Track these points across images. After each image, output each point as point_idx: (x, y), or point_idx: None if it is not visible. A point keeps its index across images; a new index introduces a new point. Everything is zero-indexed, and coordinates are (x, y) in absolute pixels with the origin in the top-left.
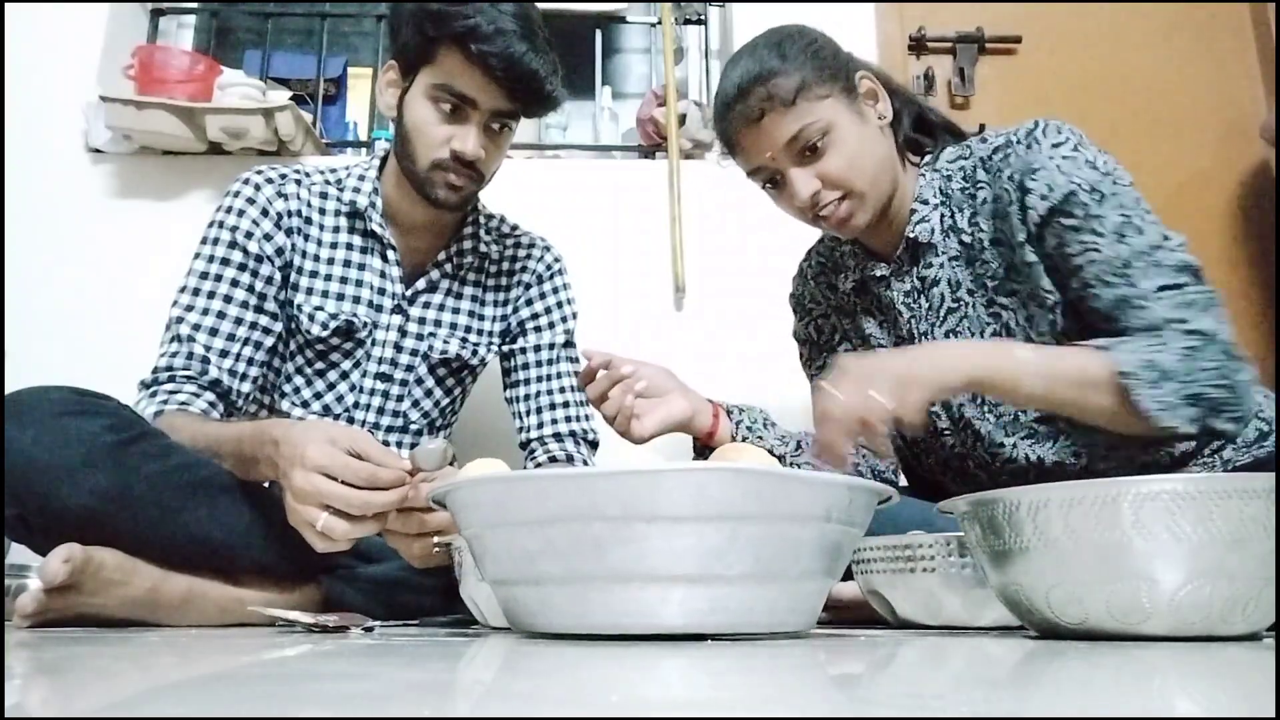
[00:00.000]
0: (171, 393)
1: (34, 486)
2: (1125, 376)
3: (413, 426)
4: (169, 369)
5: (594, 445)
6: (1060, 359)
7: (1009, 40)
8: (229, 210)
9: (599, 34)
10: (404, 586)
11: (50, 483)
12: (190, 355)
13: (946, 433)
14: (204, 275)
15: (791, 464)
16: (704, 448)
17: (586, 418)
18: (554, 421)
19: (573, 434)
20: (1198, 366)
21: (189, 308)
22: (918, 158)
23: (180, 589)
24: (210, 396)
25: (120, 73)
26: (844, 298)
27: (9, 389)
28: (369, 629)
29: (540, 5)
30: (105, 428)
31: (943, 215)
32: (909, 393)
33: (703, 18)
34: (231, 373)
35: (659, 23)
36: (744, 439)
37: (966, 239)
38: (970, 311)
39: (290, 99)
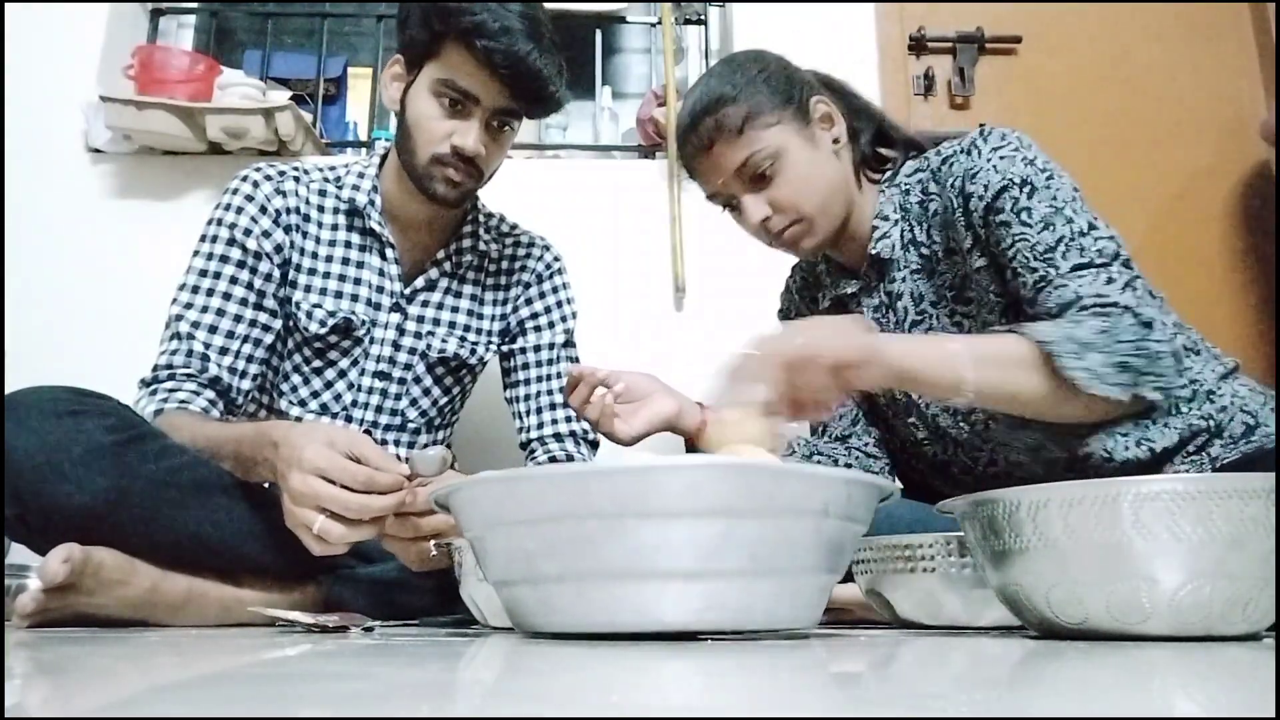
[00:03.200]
0: (171, 391)
1: (33, 486)
2: (1047, 346)
3: (410, 426)
4: (169, 367)
5: (594, 445)
6: (989, 343)
7: (1009, 40)
8: (227, 208)
9: (599, 34)
10: (404, 587)
11: (50, 483)
12: (190, 353)
13: (926, 442)
14: (203, 273)
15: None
16: (694, 447)
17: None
18: (554, 422)
19: (573, 434)
20: (1115, 339)
21: (188, 305)
22: (879, 175)
23: (180, 589)
24: (210, 394)
25: (120, 73)
26: (824, 314)
27: (9, 389)
28: (369, 629)
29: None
30: (105, 428)
31: (903, 230)
32: (810, 367)
33: (703, 18)
34: (231, 370)
35: (659, 23)
36: None
37: (925, 252)
38: (934, 323)
39: (290, 99)
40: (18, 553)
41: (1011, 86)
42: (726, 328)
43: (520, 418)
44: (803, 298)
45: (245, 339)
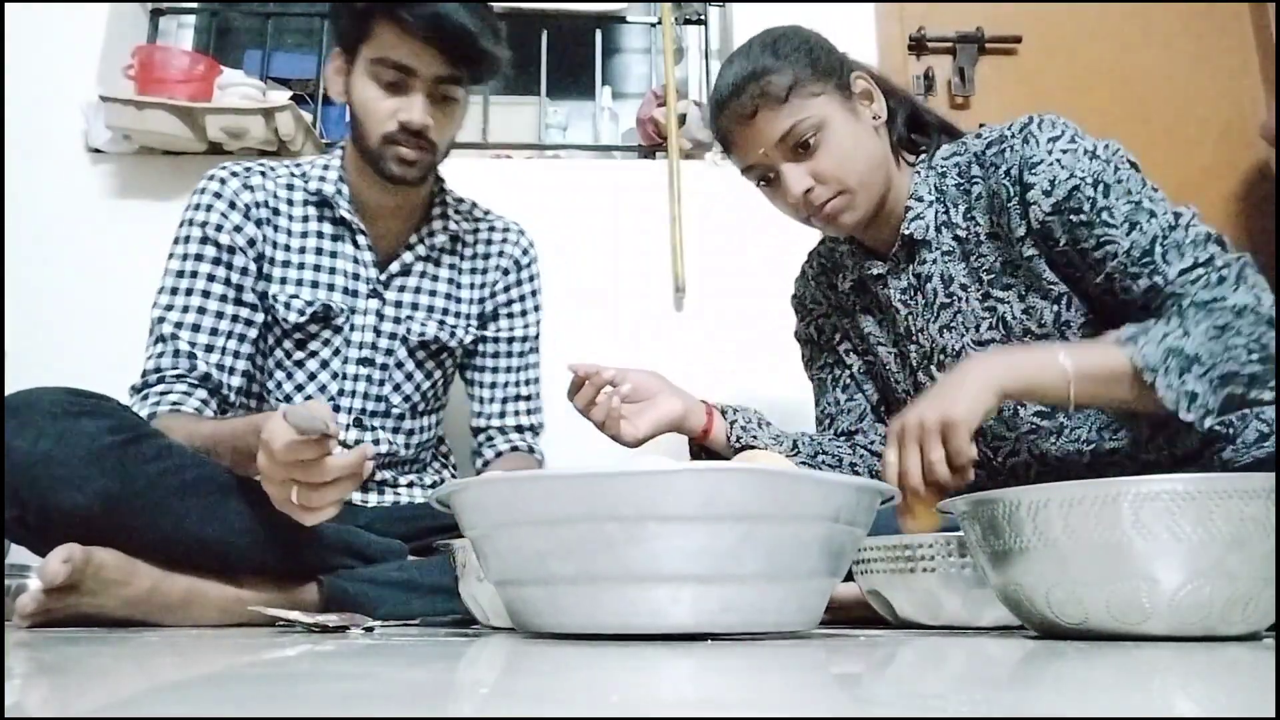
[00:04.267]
0: (163, 394)
1: (33, 487)
2: (1147, 371)
3: (395, 411)
4: (157, 370)
5: (540, 433)
6: (1091, 355)
7: (1009, 40)
8: (197, 207)
9: (599, 34)
10: (403, 586)
11: (50, 483)
12: (176, 353)
13: None
14: (180, 273)
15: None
16: (700, 448)
17: (540, 410)
18: (516, 414)
19: (531, 427)
20: (1226, 345)
21: (169, 307)
22: (913, 156)
23: (180, 589)
24: (202, 394)
25: (120, 73)
26: (843, 297)
27: (8, 389)
28: (369, 629)
29: (540, 5)
30: (104, 428)
31: (937, 212)
32: (955, 435)
33: (703, 18)
34: (220, 367)
35: (659, 23)
36: (738, 438)
37: (961, 234)
38: (964, 306)
39: (290, 99)
40: (18, 553)
41: (1011, 86)
42: (726, 328)
43: (480, 402)
44: (819, 284)
45: (229, 334)
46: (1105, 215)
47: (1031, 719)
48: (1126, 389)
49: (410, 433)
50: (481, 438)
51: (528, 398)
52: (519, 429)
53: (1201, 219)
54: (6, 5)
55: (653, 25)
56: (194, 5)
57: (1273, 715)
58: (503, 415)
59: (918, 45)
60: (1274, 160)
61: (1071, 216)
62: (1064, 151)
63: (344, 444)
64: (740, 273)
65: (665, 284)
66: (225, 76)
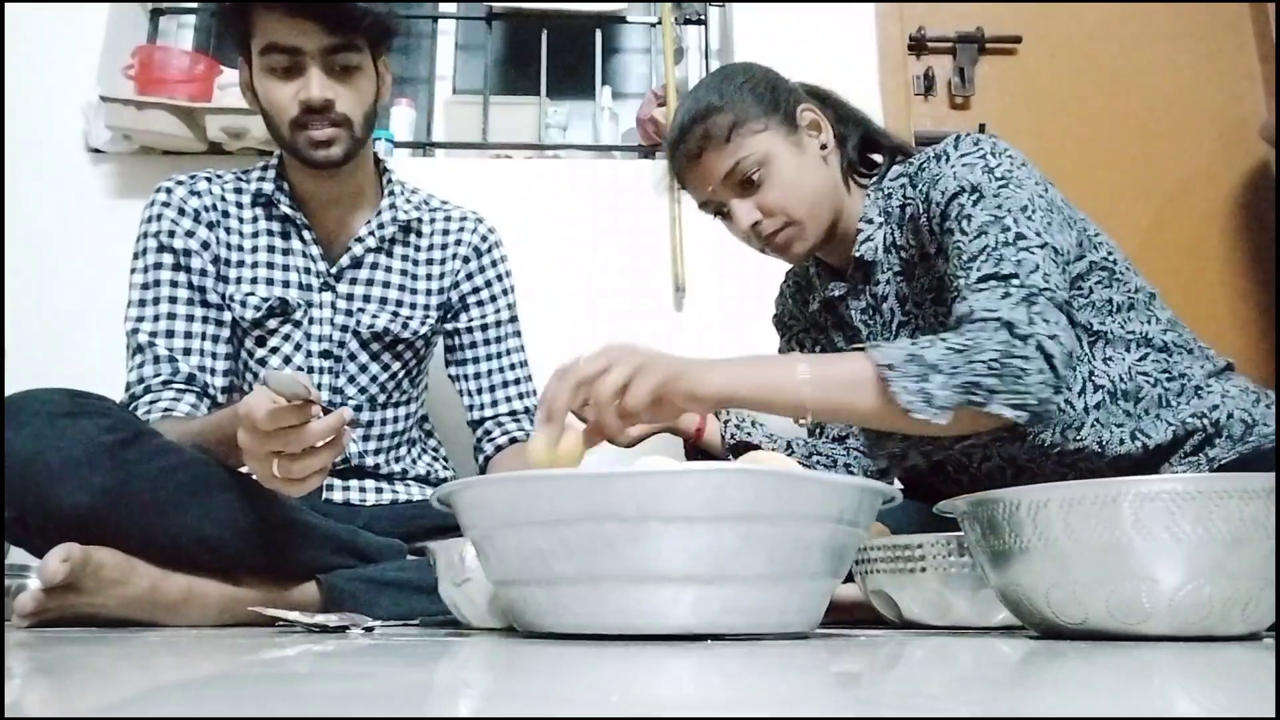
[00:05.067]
0: (152, 403)
1: (32, 488)
2: (886, 369)
3: (351, 403)
4: (141, 380)
5: None
6: (834, 364)
7: (1009, 40)
8: (149, 219)
9: (599, 34)
10: (403, 586)
11: (48, 484)
12: (157, 359)
13: (922, 440)
14: (145, 285)
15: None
16: (693, 448)
17: (532, 393)
18: (508, 399)
19: (527, 410)
20: (969, 358)
21: (140, 318)
22: (868, 179)
23: (179, 589)
24: (191, 397)
25: (120, 73)
26: (815, 315)
27: (8, 390)
28: (369, 629)
29: (540, 5)
30: (103, 428)
31: (886, 233)
32: (640, 381)
33: (703, 18)
34: (201, 368)
35: (659, 23)
36: (732, 436)
37: (905, 255)
38: (920, 323)
39: None
40: (17, 553)
41: (1011, 86)
42: (726, 328)
43: (470, 395)
44: (796, 301)
45: (203, 335)
46: (964, 222)
47: (1031, 719)
48: (868, 396)
49: (370, 424)
50: (480, 432)
51: (516, 382)
52: (513, 415)
53: (1059, 253)
54: (6, 5)
55: (653, 25)
56: (194, 5)
57: (1273, 715)
58: (494, 404)
59: (918, 45)
60: (1274, 160)
61: (945, 223)
62: (964, 164)
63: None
64: (740, 273)
65: (665, 284)
66: (225, 76)
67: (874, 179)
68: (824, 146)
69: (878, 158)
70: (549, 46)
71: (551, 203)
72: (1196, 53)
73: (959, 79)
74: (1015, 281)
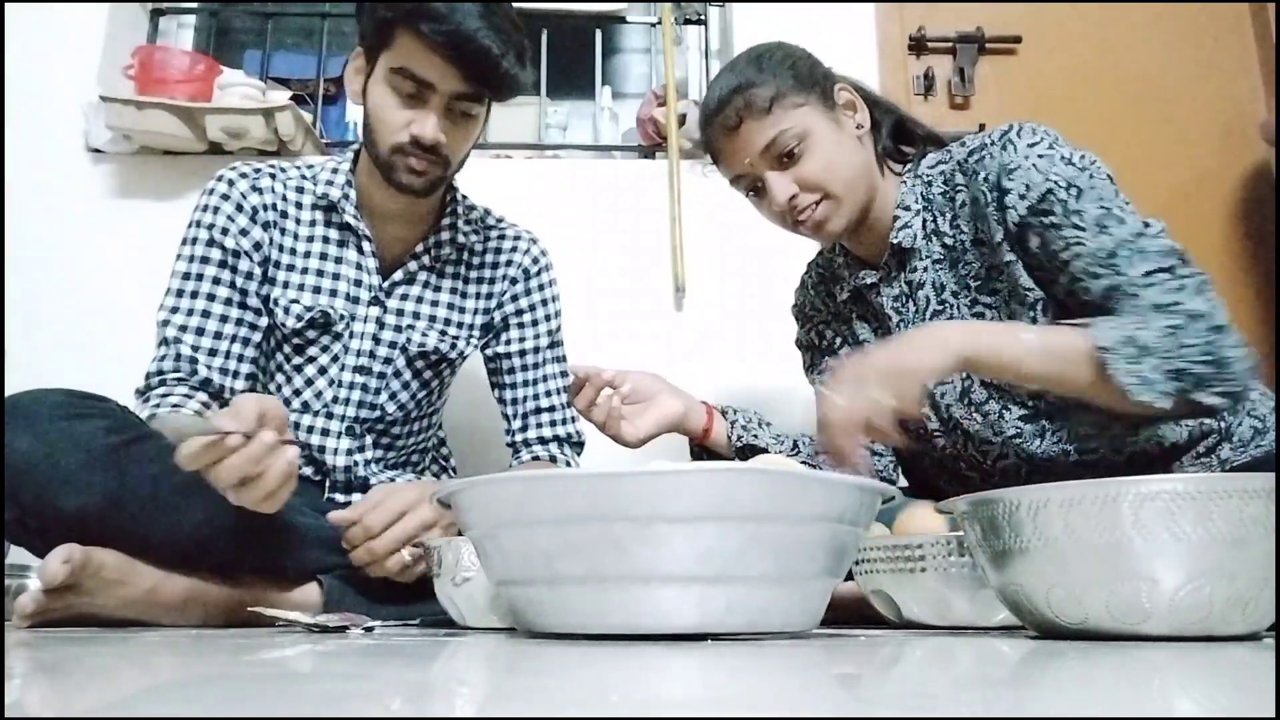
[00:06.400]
0: (163, 396)
1: (33, 489)
2: (1104, 351)
3: (387, 419)
4: (159, 373)
5: (579, 447)
6: (1053, 335)
7: (1009, 40)
8: (205, 209)
9: (599, 34)
10: (404, 587)
11: (49, 485)
12: (179, 357)
13: (938, 434)
14: (185, 275)
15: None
16: (700, 448)
17: (573, 419)
18: (539, 425)
19: (557, 438)
20: (1180, 343)
21: (174, 309)
22: (900, 166)
23: (180, 589)
24: (203, 397)
25: (120, 73)
26: (841, 306)
27: (8, 389)
28: (369, 629)
29: (540, 5)
30: (103, 429)
31: (925, 220)
32: (903, 383)
33: (703, 18)
34: (223, 371)
35: (659, 23)
36: (739, 438)
37: (949, 242)
38: (955, 313)
39: (290, 99)
40: (18, 553)
41: (1011, 86)
42: (727, 328)
43: (508, 420)
44: (819, 293)
45: (233, 339)
46: (1075, 218)
47: (1031, 719)
48: (1082, 371)
49: (397, 437)
50: (512, 454)
51: (550, 409)
52: (542, 440)
53: (1168, 234)
54: (6, 5)
55: (653, 25)
56: (194, 5)
57: (1273, 715)
58: (525, 429)
59: (918, 45)
60: (1274, 160)
61: (1044, 219)
62: (1040, 157)
63: (302, 446)
64: (740, 273)
65: (665, 284)
66: (225, 76)
67: (908, 167)
68: (859, 127)
69: (907, 149)
70: (549, 46)
71: (551, 203)
72: (1196, 53)
73: (959, 79)
74: (1178, 272)
